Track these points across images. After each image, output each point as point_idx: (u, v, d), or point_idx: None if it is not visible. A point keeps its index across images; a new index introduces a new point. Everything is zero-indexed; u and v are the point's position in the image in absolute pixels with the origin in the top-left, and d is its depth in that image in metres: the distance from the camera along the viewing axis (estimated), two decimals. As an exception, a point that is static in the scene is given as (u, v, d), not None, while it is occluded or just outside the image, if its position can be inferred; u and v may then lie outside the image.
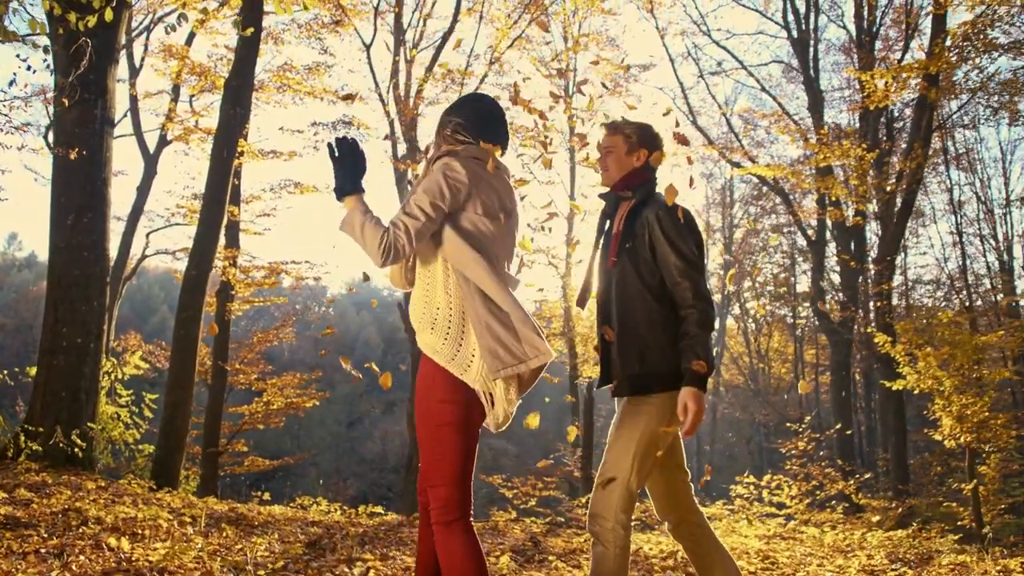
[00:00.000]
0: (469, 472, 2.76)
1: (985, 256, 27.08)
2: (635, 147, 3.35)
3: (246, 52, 10.73)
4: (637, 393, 3.07)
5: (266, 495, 10.09)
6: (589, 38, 21.14)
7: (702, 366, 2.91)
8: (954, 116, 19.09)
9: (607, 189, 3.40)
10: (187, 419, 10.27)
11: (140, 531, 5.00)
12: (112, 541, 4.51)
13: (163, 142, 18.17)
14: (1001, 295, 25.16)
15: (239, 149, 12.88)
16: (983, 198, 26.68)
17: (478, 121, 3.01)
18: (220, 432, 14.95)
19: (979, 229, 26.95)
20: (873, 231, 21.43)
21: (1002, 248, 26.37)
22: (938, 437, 9.37)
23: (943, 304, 27.04)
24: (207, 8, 14.44)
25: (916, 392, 9.70)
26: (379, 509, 8.32)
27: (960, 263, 27.18)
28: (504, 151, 3.03)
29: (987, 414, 8.92)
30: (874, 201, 16.96)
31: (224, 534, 5.37)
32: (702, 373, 2.91)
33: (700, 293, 3.03)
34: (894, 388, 10.20)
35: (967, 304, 25.53)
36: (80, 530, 4.82)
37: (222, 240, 15.06)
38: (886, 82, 10.85)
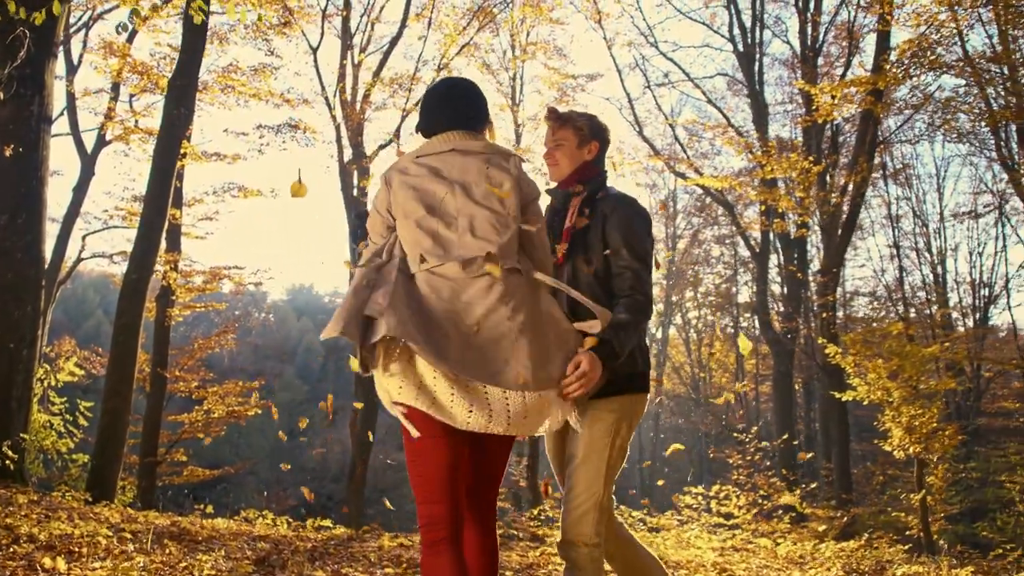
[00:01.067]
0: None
1: (920, 269, 27.76)
2: (587, 139, 3.19)
3: (191, 51, 10.46)
4: (596, 396, 2.84)
5: (209, 508, 9.78)
6: (537, 47, 21.19)
7: (620, 348, 2.73)
8: (895, 132, 19.47)
9: (554, 184, 3.24)
10: (125, 428, 9.95)
11: (77, 549, 4.73)
12: (47, 561, 4.24)
13: (101, 142, 17.61)
14: (936, 307, 25.79)
15: (182, 150, 12.57)
16: (919, 213, 27.36)
17: (420, 114, 2.95)
18: (159, 441, 14.54)
19: (915, 243, 27.65)
20: (814, 243, 21.79)
21: (936, 262, 27.04)
22: (887, 448, 9.47)
23: (880, 316, 27.60)
24: (155, 4, 14.10)
25: (866, 403, 9.81)
26: (328, 522, 8.11)
27: (897, 276, 27.80)
28: (447, 128, 2.84)
29: (936, 424, 9.05)
30: (816, 213, 17.20)
31: (167, 551, 5.13)
32: (616, 351, 2.71)
33: (642, 285, 2.92)
34: (844, 399, 10.31)
35: (903, 316, 26.10)
36: (11, 549, 4.53)
37: (163, 244, 14.73)
38: (834, 96, 10.97)
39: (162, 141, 10.27)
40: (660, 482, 21.88)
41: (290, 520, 8.58)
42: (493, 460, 2.79)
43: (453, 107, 2.87)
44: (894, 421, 9.18)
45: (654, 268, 3.10)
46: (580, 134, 3.18)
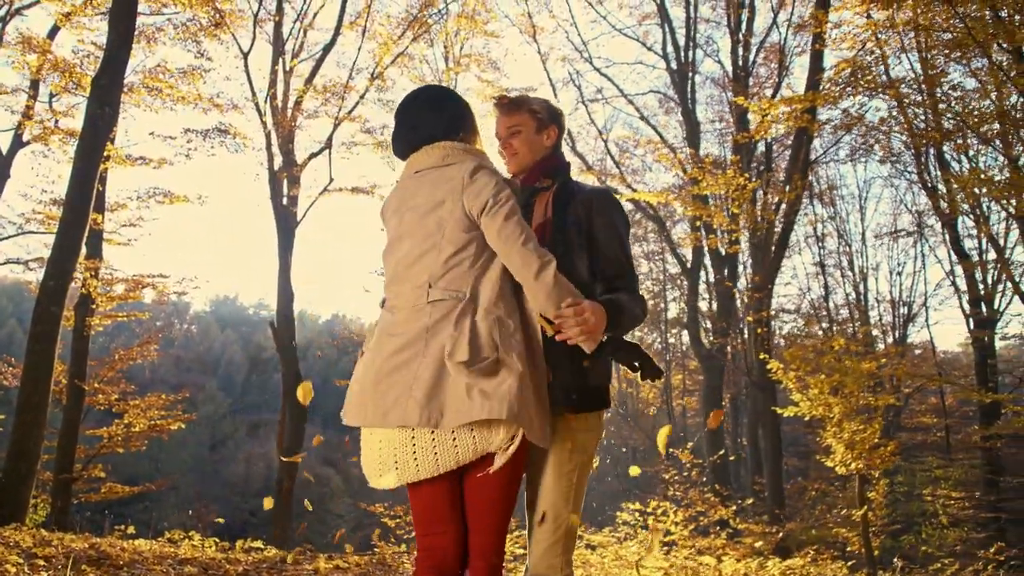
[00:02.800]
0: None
1: (844, 287, 28.43)
2: (545, 124, 2.92)
3: (117, 49, 10.02)
4: (571, 411, 2.64)
5: (130, 528, 9.30)
6: (471, 59, 21.07)
7: (618, 319, 2.54)
8: (823, 153, 19.92)
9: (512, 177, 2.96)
10: (39, 443, 9.42)
11: (-14, 576, 4.37)
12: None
13: (18, 143, 16.84)
14: (859, 324, 26.42)
15: (105, 153, 12.06)
16: (842, 232, 28.05)
17: None
18: (75, 456, 13.89)
19: (839, 262, 28.33)
20: (742, 260, 22.08)
21: (858, 280, 27.74)
22: (829, 464, 9.49)
23: (805, 333, 28.16)
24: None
25: (807, 418, 9.84)
26: (258, 543, 7.76)
27: (822, 294, 28.43)
28: (409, 148, 2.69)
29: (878, 440, 9.11)
30: (747, 230, 17.41)
31: (85, 577, 4.78)
32: (615, 317, 2.51)
33: (637, 286, 2.76)
34: (784, 414, 10.33)
35: (828, 333, 26.69)
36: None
37: (83, 250, 14.11)
38: (765, 115, 11.09)
39: (84, 142, 9.81)
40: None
41: (218, 541, 8.20)
42: (473, 500, 2.52)
43: (400, 131, 2.74)
44: (835, 437, 9.21)
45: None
46: (537, 118, 2.92)
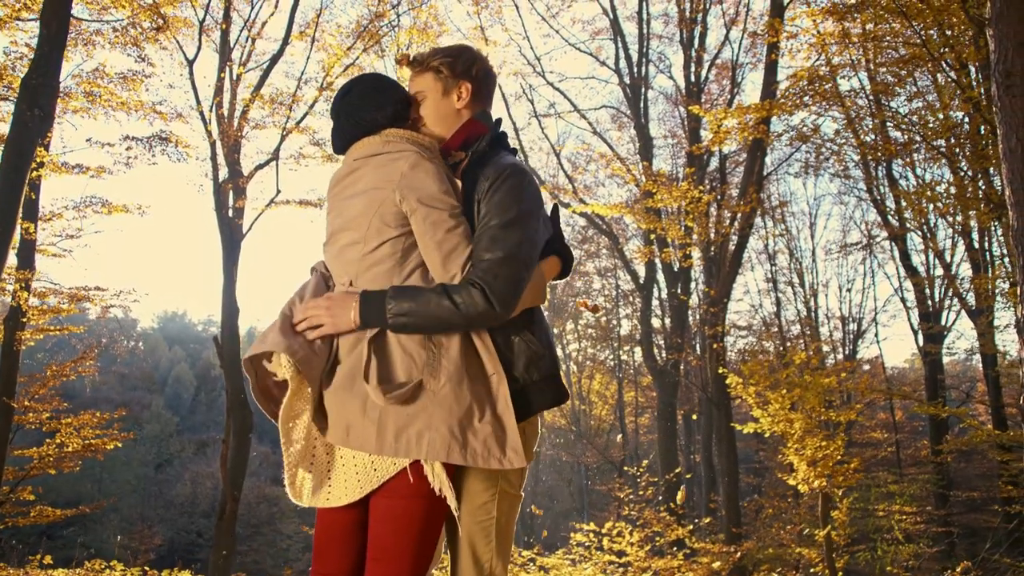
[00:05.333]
0: None
1: (795, 304, 28.64)
2: (452, 82, 2.43)
3: (49, 48, 9.54)
4: None
5: (48, 558, 8.77)
6: (422, 70, 20.82)
7: (388, 311, 2.12)
8: (780, 166, 20.03)
9: None
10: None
11: None
12: None
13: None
14: (810, 339, 26.63)
15: (39, 159, 11.55)
16: (792, 249, 28.30)
17: None
18: (2, 478, 13.18)
19: (790, 278, 28.57)
20: (694, 275, 22.05)
21: (808, 296, 27.97)
22: (791, 482, 9.26)
23: (758, 349, 28.32)
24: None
25: (767, 435, 9.63)
26: (186, 574, 7.31)
27: (774, 310, 28.61)
28: (352, 141, 2.41)
29: (841, 456, 8.91)
30: (700, 243, 17.34)
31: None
32: (378, 311, 2.12)
33: (494, 280, 2.14)
34: (744, 431, 10.11)
35: (780, 350, 26.88)
36: None
37: (13, 260, 13.49)
38: (726, 123, 11.00)
39: (11, 146, 9.28)
40: (537, 511, 21.59)
41: (145, 569, 7.72)
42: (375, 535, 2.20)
43: (341, 125, 2.46)
44: (797, 454, 8.98)
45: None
46: (441, 77, 2.42)
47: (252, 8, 17.57)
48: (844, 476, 8.78)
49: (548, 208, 2.51)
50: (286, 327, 2.17)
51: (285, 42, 17.33)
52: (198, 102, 16.32)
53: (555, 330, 35.95)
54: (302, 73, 17.93)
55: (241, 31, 17.34)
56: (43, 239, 14.75)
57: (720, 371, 10.76)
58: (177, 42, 16.10)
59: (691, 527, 11.41)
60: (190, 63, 16.27)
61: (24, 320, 13.23)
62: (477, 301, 2.10)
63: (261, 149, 28.53)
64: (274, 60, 17.40)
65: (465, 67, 2.45)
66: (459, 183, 2.41)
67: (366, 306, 2.14)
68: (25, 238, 13.44)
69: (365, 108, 2.39)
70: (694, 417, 27.44)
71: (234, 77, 17.11)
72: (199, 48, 16.44)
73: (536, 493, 37.42)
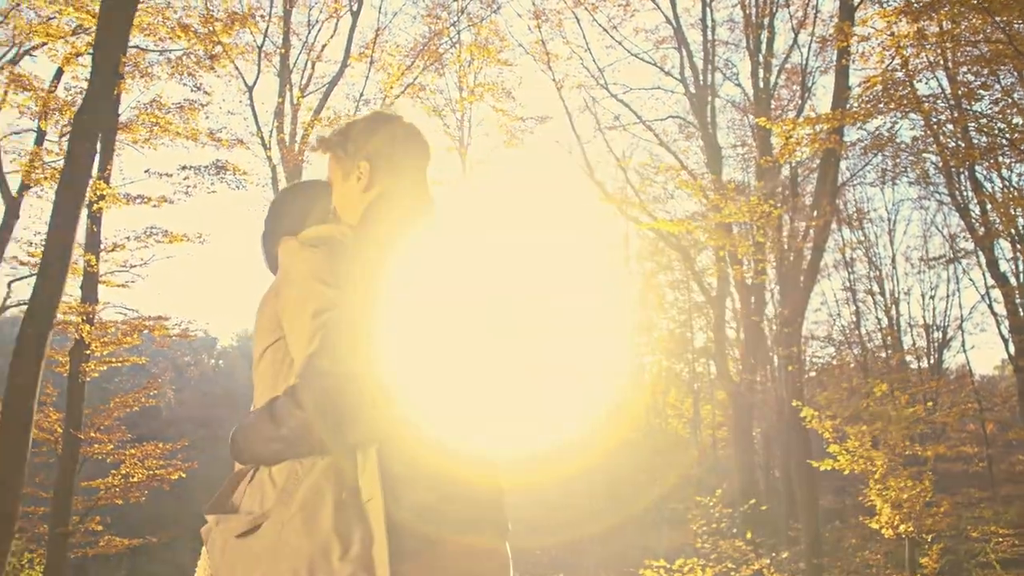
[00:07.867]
0: None
1: (876, 313, 27.60)
2: (350, 164, 2.03)
3: (101, 83, 9.51)
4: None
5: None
6: (485, 88, 20.64)
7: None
8: (855, 174, 19.24)
9: None
10: (15, 502, 8.82)
11: None
12: None
13: (26, 185, 16.42)
14: (891, 349, 25.63)
15: (99, 192, 11.60)
16: (872, 257, 27.26)
17: None
18: (71, 509, 13.25)
19: (869, 287, 27.51)
20: (769, 287, 21.34)
21: (889, 305, 26.90)
22: (874, 526, 8.56)
23: (837, 361, 27.37)
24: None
25: (846, 472, 8.96)
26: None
27: (853, 320, 27.58)
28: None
29: (930, 497, 8.19)
30: (773, 259, 16.68)
31: None
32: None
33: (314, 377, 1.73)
34: (822, 469, 9.39)
35: (860, 360, 25.98)
36: None
37: (78, 293, 13.59)
38: (795, 134, 10.40)
39: (66, 180, 9.27)
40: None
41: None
42: None
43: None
44: (880, 496, 8.27)
45: None
46: (339, 159, 2.06)
47: (310, 31, 17.57)
48: (933, 519, 8.04)
49: None
50: None
51: (344, 64, 17.23)
52: (258, 128, 16.30)
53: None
54: (361, 94, 17.88)
55: (299, 54, 17.36)
56: (107, 269, 14.82)
57: (794, 404, 10.05)
58: (237, 68, 16.11)
59: (768, 561, 10.76)
60: (250, 89, 16.26)
61: (87, 352, 13.30)
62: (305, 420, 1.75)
63: (321, 172, 28.69)
64: (333, 83, 17.31)
65: (358, 144, 2.03)
66: None
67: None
68: (88, 270, 13.51)
69: (266, 234, 2.25)
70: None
71: (294, 101, 17.08)
72: (258, 74, 16.43)
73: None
